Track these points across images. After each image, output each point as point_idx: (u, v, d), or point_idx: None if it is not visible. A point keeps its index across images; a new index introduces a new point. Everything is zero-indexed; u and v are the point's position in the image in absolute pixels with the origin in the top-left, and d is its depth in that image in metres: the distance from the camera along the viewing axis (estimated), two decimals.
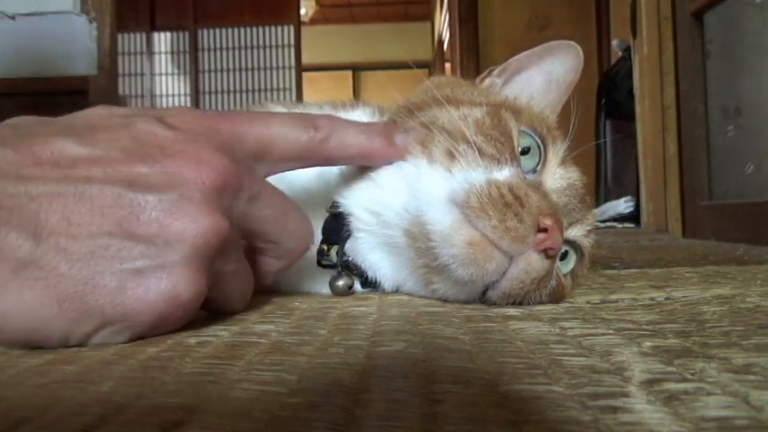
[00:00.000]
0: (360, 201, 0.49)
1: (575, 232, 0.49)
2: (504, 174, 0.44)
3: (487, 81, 0.56)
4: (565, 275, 0.48)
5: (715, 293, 0.51)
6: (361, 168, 0.49)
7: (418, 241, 0.45)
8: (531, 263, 0.42)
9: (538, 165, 0.48)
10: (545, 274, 0.43)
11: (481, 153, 0.44)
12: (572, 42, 0.55)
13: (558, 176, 0.49)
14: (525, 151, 0.48)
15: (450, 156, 0.45)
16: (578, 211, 0.49)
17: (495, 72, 0.57)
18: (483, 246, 0.41)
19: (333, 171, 0.52)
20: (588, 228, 0.50)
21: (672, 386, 0.23)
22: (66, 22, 1.84)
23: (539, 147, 0.48)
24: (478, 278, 0.42)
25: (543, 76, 0.56)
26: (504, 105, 0.50)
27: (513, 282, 0.42)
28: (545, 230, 0.41)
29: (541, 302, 0.45)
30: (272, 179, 0.43)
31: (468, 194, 0.42)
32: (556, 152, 0.49)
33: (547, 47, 0.55)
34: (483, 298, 0.45)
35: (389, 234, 0.47)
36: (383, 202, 0.47)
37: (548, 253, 0.42)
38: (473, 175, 0.43)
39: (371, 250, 0.50)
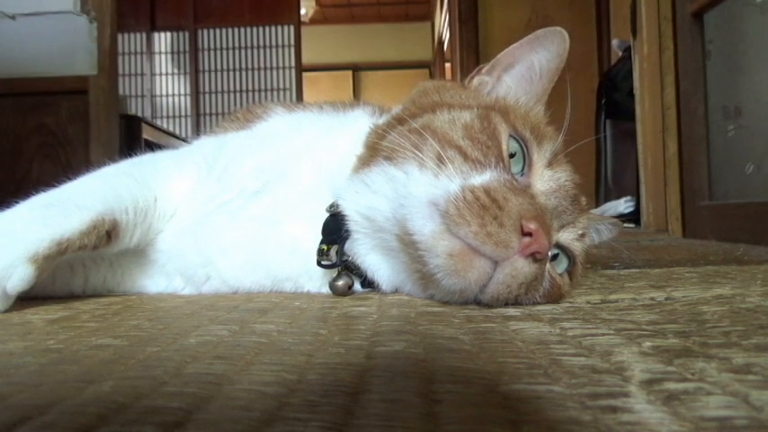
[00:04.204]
0: (355, 204, 0.49)
1: (565, 236, 0.48)
2: (483, 177, 0.43)
3: (476, 80, 0.56)
4: (560, 275, 0.48)
5: (715, 293, 0.51)
6: (358, 172, 0.49)
7: (410, 247, 0.45)
8: (518, 267, 0.41)
9: (524, 167, 0.47)
10: (533, 278, 0.42)
11: (466, 157, 0.44)
12: (558, 28, 0.54)
13: (547, 178, 0.48)
14: (512, 154, 0.47)
15: (439, 161, 0.44)
16: (569, 213, 0.48)
17: (484, 70, 0.56)
18: (463, 256, 0.41)
19: (333, 172, 0.52)
20: (580, 231, 0.49)
21: (672, 386, 0.23)
22: (66, 22, 1.84)
23: (522, 149, 0.47)
24: (464, 287, 0.42)
25: (531, 69, 0.55)
26: (495, 107, 0.50)
27: (500, 286, 0.42)
28: (530, 234, 0.40)
29: (537, 303, 0.45)
30: (275, 176, 0.41)
31: (446, 202, 0.42)
32: (542, 153, 0.48)
33: (534, 36, 0.54)
34: (477, 299, 0.45)
35: (384, 238, 0.47)
36: (375, 207, 0.47)
37: (535, 257, 0.41)
38: (454, 180, 0.43)
39: (369, 252, 0.50)
